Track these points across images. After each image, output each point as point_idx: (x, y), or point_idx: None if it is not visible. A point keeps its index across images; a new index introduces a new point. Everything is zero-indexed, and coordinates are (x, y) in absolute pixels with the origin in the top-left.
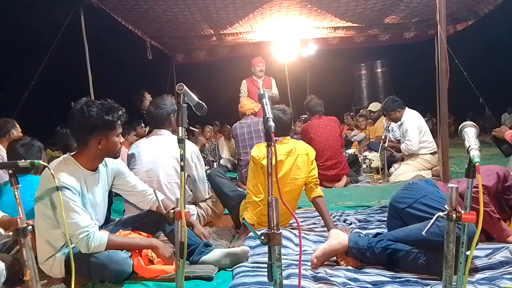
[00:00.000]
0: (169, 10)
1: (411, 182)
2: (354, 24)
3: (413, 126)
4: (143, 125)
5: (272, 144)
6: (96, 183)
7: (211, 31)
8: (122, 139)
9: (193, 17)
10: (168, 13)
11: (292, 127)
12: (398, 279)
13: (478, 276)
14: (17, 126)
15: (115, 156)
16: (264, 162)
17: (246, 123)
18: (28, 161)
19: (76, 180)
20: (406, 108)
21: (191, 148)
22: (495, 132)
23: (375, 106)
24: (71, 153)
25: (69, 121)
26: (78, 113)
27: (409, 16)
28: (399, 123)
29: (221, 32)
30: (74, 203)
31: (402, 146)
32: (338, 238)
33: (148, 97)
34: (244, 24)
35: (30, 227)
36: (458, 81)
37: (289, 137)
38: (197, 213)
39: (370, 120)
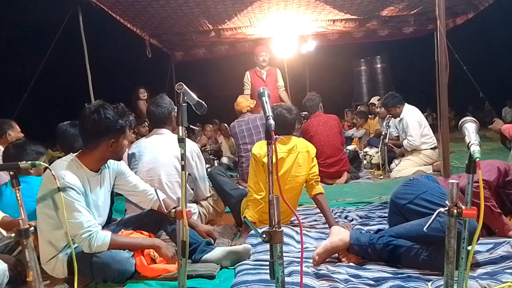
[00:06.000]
0: (167, 5)
1: (411, 178)
2: (353, 16)
3: (413, 121)
4: (146, 124)
5: (273, 142)
6: (99, 184)
7: (209, 26)
8: (127, 142)
9: (191, 11)
10: (166, 8)
11: (296, 126)
12: (399, 275)
13: (480, 271)
14: (15, 126)
15: (120, 158)
16: (265, 159)
17: (244, 120)
18: (29, 162)
19: (80, 180)
20: (405, 104)
21: (191, 147)
22: (491, 127)
23: (376, 99)
24: (75, 154)
25: (81, 123)
26: (94, 116)
27: (408, 7)
28: (398, 119)
29: (220, 27)
30: (78, 203)
31: (405, 142)
32: (340, 235)
33: (142, 96)
34: (242, 18)
35: (32, 228)
36: (458, 75)
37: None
38: (199, 211)
39: (371, 116)
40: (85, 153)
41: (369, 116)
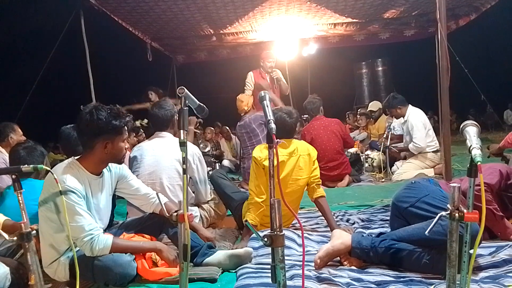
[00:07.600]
0: (169, 10)
1: (413, 181)
2: (354, 20)
3: (418, 122)
4: (142, 131)
5: (274, 146)
6: (100, 188)
7: (211, 30)
8: (127, 145)
9: (193, 16)
10: (168, 13)
11: (297, 129)
12: (401, 279)
13: (482, 274)
14: (17, 130)
15: (120, 161)
16: (266, 163)
17: (241, 124)
18: (31, 166)
19: (80, 184)
20: (409, 105)
21: (193, 150)
22: (491, 152)
23: (375, 105)
24: (76, 157)
25: (77, 124)
26: (86, 116)
27: (409, 9)
28: (401, 120)
29: (221, 31)
30: (79, 206)
31: (410, 146)
32: (341, 238)
33: (153, 96)
34: (244, 23)
35: (34, 231)
36: (460, 78)
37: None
38: (200, 214)
39: (371, 120)
40: (84, 156)
41: (369, 120)
